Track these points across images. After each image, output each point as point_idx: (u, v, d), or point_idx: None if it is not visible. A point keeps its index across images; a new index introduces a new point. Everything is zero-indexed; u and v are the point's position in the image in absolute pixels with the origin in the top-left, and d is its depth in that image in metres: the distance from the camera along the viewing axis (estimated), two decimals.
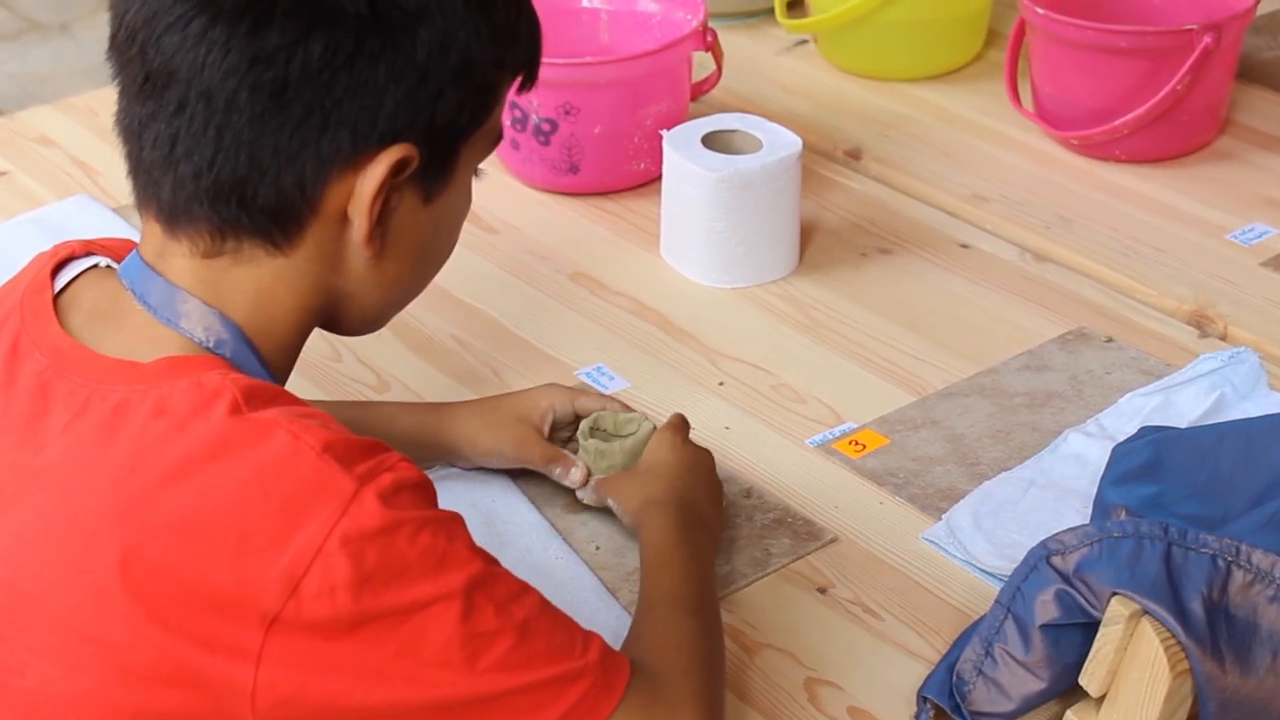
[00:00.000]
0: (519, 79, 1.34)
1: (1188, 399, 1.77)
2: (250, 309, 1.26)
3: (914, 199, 2.23)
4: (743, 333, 1.97)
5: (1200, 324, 1.95)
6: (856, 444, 1.77)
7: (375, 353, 1.93)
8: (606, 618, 1.55)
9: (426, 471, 1.71)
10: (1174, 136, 2.26)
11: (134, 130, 1.27)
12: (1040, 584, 1.36)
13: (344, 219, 1.25)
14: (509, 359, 1.91)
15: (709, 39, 2.24)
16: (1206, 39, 2.16)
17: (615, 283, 2.06)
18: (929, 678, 1.45)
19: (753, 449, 1.77)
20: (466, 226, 2.15)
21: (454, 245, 1.38)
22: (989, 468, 1.73)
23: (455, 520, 1.22)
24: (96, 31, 4.82)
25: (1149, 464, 1.52)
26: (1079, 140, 2.27)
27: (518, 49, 1.31)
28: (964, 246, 2.12)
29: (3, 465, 1.23)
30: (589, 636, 1.27)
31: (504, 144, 2.22)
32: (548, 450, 1.68)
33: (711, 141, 2.05)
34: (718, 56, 2.28)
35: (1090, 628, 1.33)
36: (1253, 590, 1.30)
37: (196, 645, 1.14)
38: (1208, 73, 2.20)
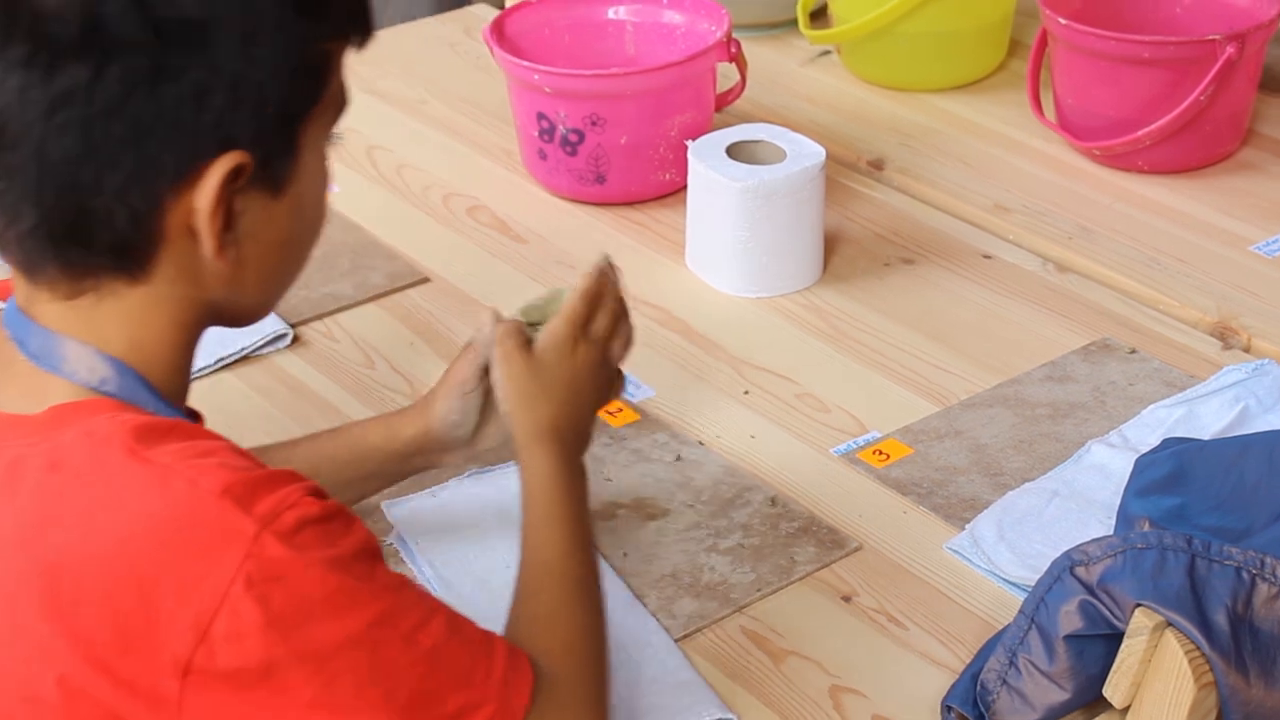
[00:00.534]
0: (350, 41, 1.29)
1: (1211, 411, 1.78)
2: (128, 341, 1.23)
3: (937, 209, 2.24)
4: (767, 342, 1.98)
5: (1223, 335, 1.96)
6: (880, 453, 1.79)
7: (407, 360, 1.95)
8: (634, 624, 1.56)
9: (446, 485, 1.75)
10: (1197, 147, 2.26)
11: None
12: (1064, 595, 1.37)
13: (194, 235, 1.21)
14: None
15: (733, 50, 2.25)
16: (1229, 49, 2.17)
17: (641, 292, 2.07)
18: (953, 687, 1.46)
19: (778, 457, 1.79)
20: (496, 236, 2.19)
21: (322, 220, 1.33)
22: (1012, 478, 1.74)
23: (363, 551, 1.20)
24: None
25: (1172, 476, 1.52)
26: (1101, 151, 2.28)
27: (333, 14, 1.26)
28: (986, 257, 2.13)
29: None
30: (493, 652, 1.26)
31: (531, 154, 2.25)
32: (473, 362, 1.61)
33: (736, 152, 2.06)
34: (742, 67, 2.29)
35: (1114, 639, 1.34)
36: (1277, 603, 1.31)
37: (123, 696, 1.14)
38: (1230, 83, 2.21)
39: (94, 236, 1.19)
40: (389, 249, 2.17)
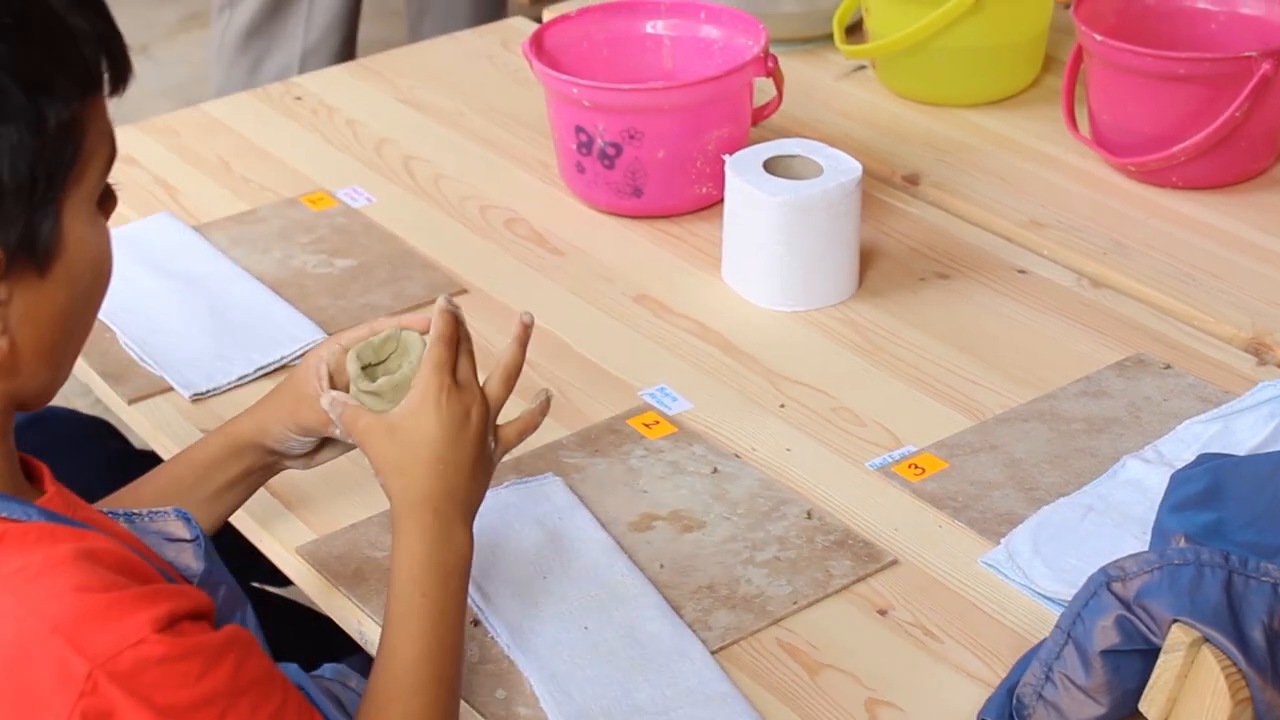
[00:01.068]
0: (102, 92, 1.24)
1: (1246, 426, 1.78)
2: None
3: (972, 224, 2.24)
4: (803, 356, 1.99)
5: (1258, 351, 1.96)
6: (916, 467, 1.80)
7: None
8: (670, 636, 1.57)
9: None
10: (1232, 163, 2.27)
11: None
12: (1100, 610, 1.38)
13: None
14: (573, 379, 1.94)
15: (770, 65, 2.26)
16: (1265, 66, 2.17)
17: (678, 305, 2.08)
18: (989, 701, 1.46)
19: (814, 471, 1.80)
20: (533, 248, 2.20)
21: (105, 279, 1.29)
22: (1047, 493, 1.74)
23: (218, 695, 1.18)
24: (176, 52, 4.88)
25: (1208, 491, 1.52)
26: (1136, 166, 2.29)
27: (70, 79, 1.21)
28: (1021, 272, 2.14)
29: None
30: None
31: (569, 167, 2.27)
32: (318, 411, 1.55)
33: (773, 166, 2.07)
34: (778, 82, 2.30)
35: (1150, 654, 1.35)
36: None
37: None
38: (1266, 99, 2.21)
39: None
40: (426, 259, 2.19)
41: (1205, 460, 1.59)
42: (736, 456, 1.82)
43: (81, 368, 2.00)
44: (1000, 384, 1.92)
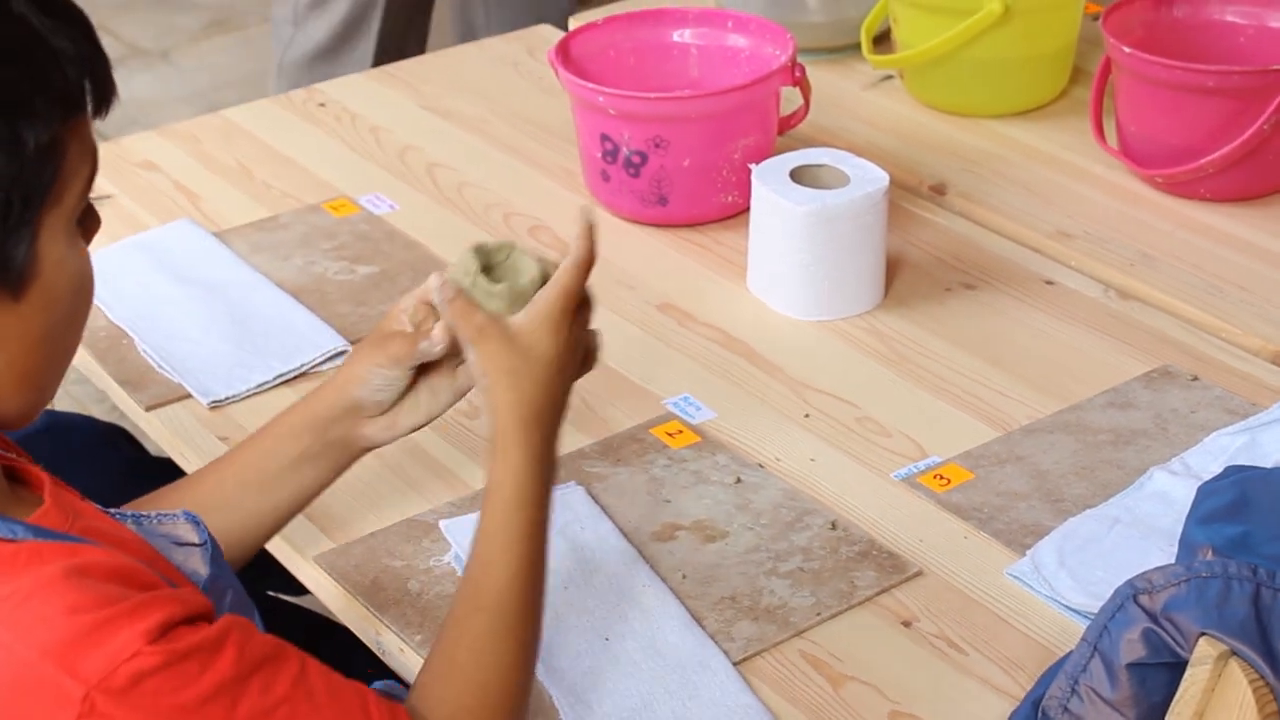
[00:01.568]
0: (85, 113, 1.21)
1: (1274, 439, 1.77)
2: None
3: (999, 235, 2.23)
4: (828, 366, 1.98)
5: None
6: (941, 478, 1.78)
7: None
8: (692, 647, 1.56)
9: None
10: (1260, 175, 2.26)
11: None
12: (1127, 622, 1.37)
13: None
14: (598, 388, 1.93)
15: (797, 74, 2.25)
16: None
17: (703, 314, 2.07)
18: (1013, 714, 1.45)
19: (838, 481, 1.79)
20: (557, 256, 2.19)
21: (85, 300, 1.27)
22: (1073, 504, 1.73)
23: (225, 684, 1.17)
24: (197, 59, 4.89)
25: (1235, 503, 1.51)
26: (1164, 178, 2.27)
27: (49, 101, 1.18)
28: (1048, 283, 2.12)
29: None
30: None
31: (594, 175, 2.26)
32: (410, 343, 1.56)
33: (799, 176, 2.06)
34: (805, 91, 2.29)
35: (1177, 668, 1.33)
36: None
37: None
38: None
39: None
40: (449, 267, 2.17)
41: (1232, 473, 1.57)
42: (760, 466, 1.81)
43: (98, 374, 2.00)
44: (1026, 395, 1.91)
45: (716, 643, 1.57)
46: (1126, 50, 2.25)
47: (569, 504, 1.74)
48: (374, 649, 1.63)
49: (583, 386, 1.91)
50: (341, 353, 1.99)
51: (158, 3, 5.20)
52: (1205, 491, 1.54)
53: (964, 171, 2.37)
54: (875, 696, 1.52)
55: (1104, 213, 2.27)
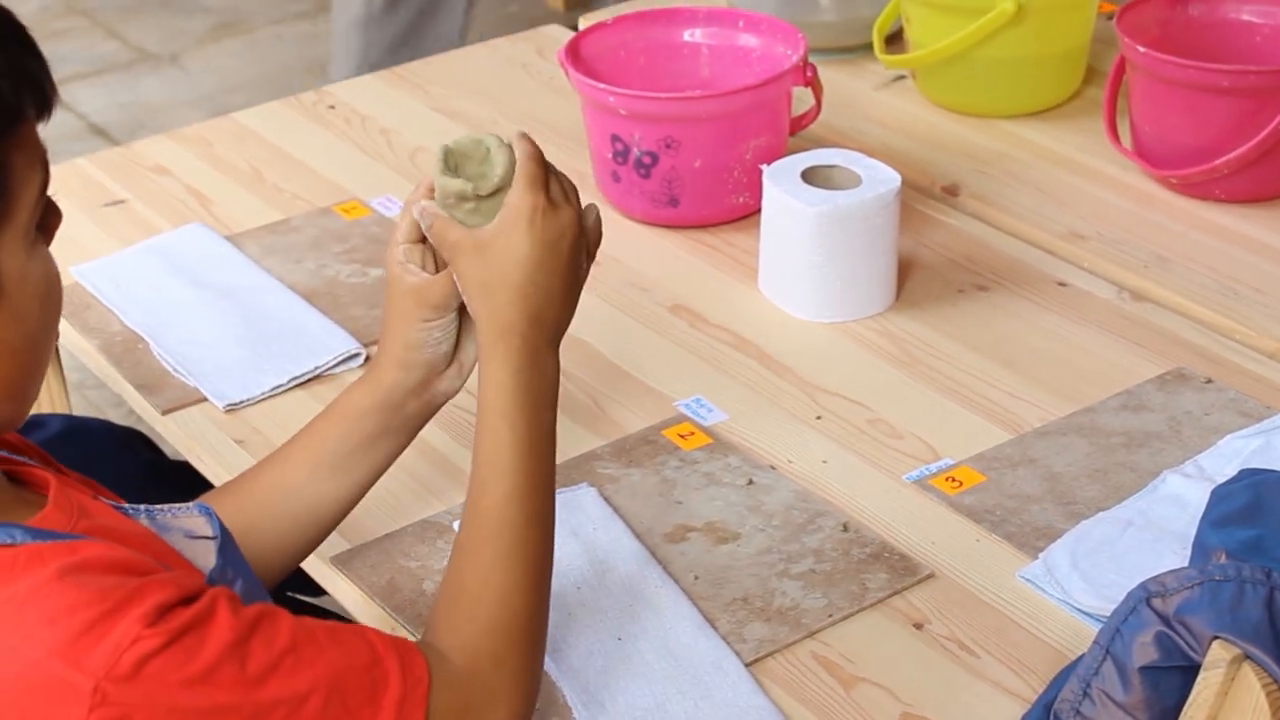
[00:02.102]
0: (26, 123, 1.19)
1: None
2: None
3: (1011, 236, 2.23)
4: (840, 367, 1.98)
5: None
6: (953, 480, 1.78)
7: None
8: (704, 648, 1.56)
9: None
10: (1275, 176, 2.24)
11: None
12: (1140, 626, 1.36)
13: None
14: (609, 389, 1.93)
15: (809, 74, 2.25)
16: None
17: (714, 315, 2.07)
18: (1025, 716, 1.45)
19: (850, 483, 1.78)
20: None
21: (54, 310, 1.25)
22: (1086, 507, 1.73)
23: (226, 651, 1.17)
24: (206, 62, 4.89)
25: (1249, 507, 1.51)
26: (1178, 179, 2.27)
27: None
28: (1061, 284, 2.12)
29: None
30: (381, 701, 1.24)
31: (604, 176, 2.26)
32: (440, 279, 1.52)
33: (811, 176, 2.06)
34: (817, 91, 2.29)
35: (1190, 671, 1.33)
36: None
37: None
38: None
39: None
40: None
41: (1246, 476, 1.57)
42: (772, 468, 1.81)
43: (114, 378, 2.01)
44: (1039, 397, 1.91)
45: (728, 644, 1.57)
46: (1141, 50, 2.24)
47: (581, 505, 1.74)
48: None
49: (594, 388, 1.92)
50: (354, 355, 1.99)
51: (165, 6, 5.21)
52: (1219, 495, 1.54)
53: (977, 172, 2.37)
54: (887, 698, 1.52)
55: (1118, 214, 2.26)
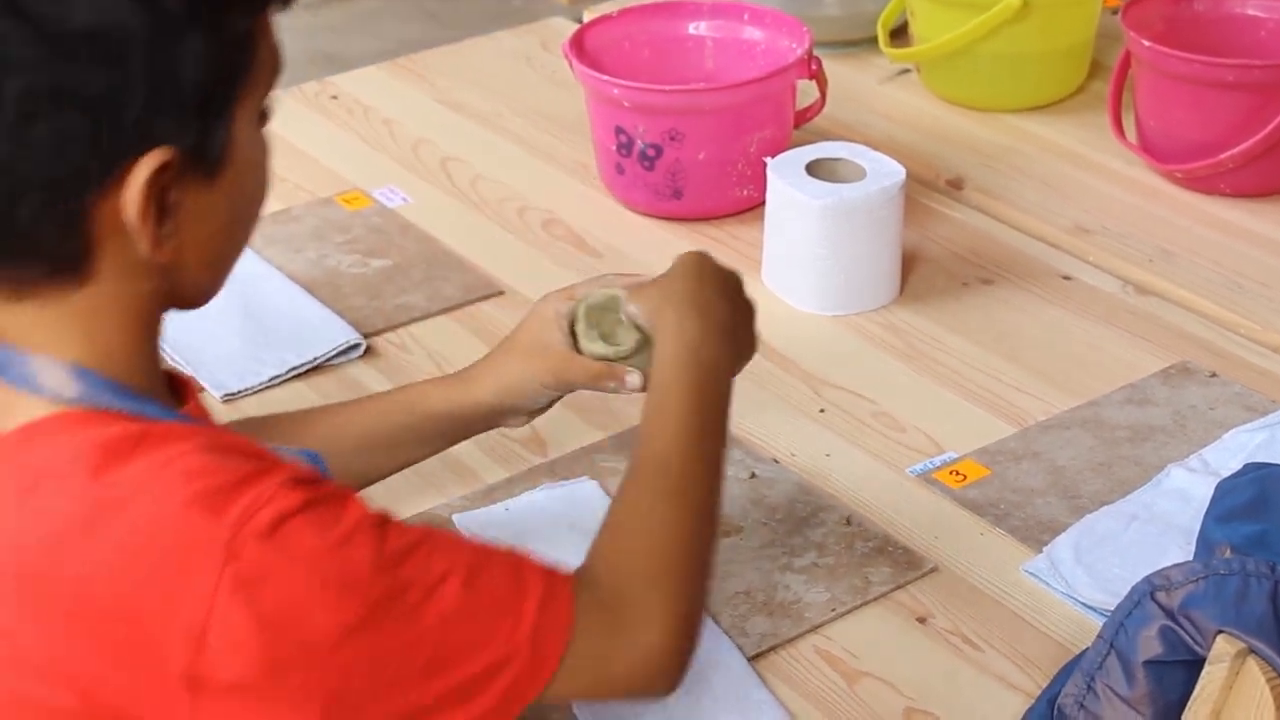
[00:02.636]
0: (270, 7, 1.24)
1: None
2: (85, 345, 1.21)
3: (1016, 230, 2.22)
4: (844, 360, 1.97)
5: None
6: (957, 474, 1.77)
7: None
8: (706, 642, 1.53)
9: (517, 499, 1.74)
10: None
11: None
12: (1144, 620, 1.36)
13: (129, 234, 1.18)
14: None
15: (813, 67, 2.24)
16: None
17: None
18: (1029, 711, 1.44)
19: (853, 477, 1.78)
20: (571, 250, 2.19)
21: (264, 191, 1.30)
22: (1090, 501, 1.72)
23: (360, 528, 1.17)
24: None
25: (1253, 501, 1.50)
26: (1183, 173, 2.26)
27: None
28: (1066, 278, 2.11)
29: None
30: (524, 597, 1.23)
31: (608, 168, 2.25)
32: (590, 366, 1.61)
33: (815, 169, 2.05)
34: (822, 85, 2.28)
35: (1194, 665, 1.33)
36: None
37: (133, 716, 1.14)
38: None
39: (22, 249, 1.17)
40: (463, 261, 2.17)
41: (1251, 470, 1.57)
42: (775, 461, 1.80)
43: None
44: (1044, 391, 1.90)
45: (731, 638, 1.56)
46: (1146, 44, 2.24)
47: (582, 498, 1.73)
48: None
49: None
50: (354, 346, 1.98)
51: None
52: (1224, 489, 1.53)
53: (981, 166, 2.36)
54: (890, 693, 1.51)
55: (1122, 208, 2.25)
